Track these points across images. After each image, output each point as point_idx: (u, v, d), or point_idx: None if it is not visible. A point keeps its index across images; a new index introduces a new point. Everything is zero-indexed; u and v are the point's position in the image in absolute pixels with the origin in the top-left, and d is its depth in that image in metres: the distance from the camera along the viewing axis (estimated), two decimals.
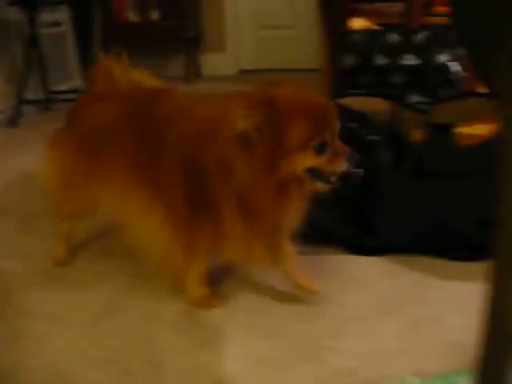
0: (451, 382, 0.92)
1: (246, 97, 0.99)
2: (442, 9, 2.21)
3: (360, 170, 1.18)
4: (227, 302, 1.18)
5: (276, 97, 0.96)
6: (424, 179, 1.25)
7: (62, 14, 3.27)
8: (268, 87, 1.00)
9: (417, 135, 1.29)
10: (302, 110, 0.96)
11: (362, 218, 1.34)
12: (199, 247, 1.10)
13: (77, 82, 3.39)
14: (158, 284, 1.24)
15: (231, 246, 1.05)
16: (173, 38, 3.63)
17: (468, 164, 1.22)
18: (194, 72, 3.82)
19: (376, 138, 1.27)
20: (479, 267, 1.21)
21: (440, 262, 1.30)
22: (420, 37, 1.75)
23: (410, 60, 1.74)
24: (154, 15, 3.61)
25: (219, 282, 1.25)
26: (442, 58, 1.77)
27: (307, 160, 0.97)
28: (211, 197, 1.02)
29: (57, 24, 3.23)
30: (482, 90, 1.58)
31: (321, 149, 0.97)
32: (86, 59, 3.31)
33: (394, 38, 1.74)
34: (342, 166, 1.01)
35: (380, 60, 1.73)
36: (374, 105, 1.39)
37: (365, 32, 1.76)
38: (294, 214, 1.02)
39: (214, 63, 3.92)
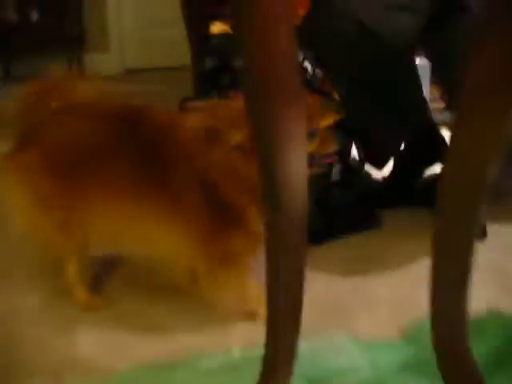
0: None
1: (228, 107, 1.02)
2: (302, 11, 2.35)
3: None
4: None
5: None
6: None
7: None
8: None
9: None
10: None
11: None
12: (236, 256, 1.06)
13: None
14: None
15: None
16: (54, 39, 3.62)
17: None
18: (77, 72, 3.81)
19: None
20: None
21: None
22: None
23: None
24: (34, 15, 3.58)
25: None
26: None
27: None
28: (233, 205, 1.02)
29: None
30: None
31: (312, 134, 1.05)
32: None
33: None
34: (332, 148, 1.11)
35: (239, 62, 1.83)
36: None
37: (224, 35, 1.85)
38: None
39: (98, 63, 3.92)
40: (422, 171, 1.68)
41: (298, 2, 1.16)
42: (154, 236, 1.03)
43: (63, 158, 1.04)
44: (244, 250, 1.05)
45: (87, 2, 3.82)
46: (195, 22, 1.83)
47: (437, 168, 1.64)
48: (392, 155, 1.64)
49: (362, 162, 1.60)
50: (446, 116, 1.60)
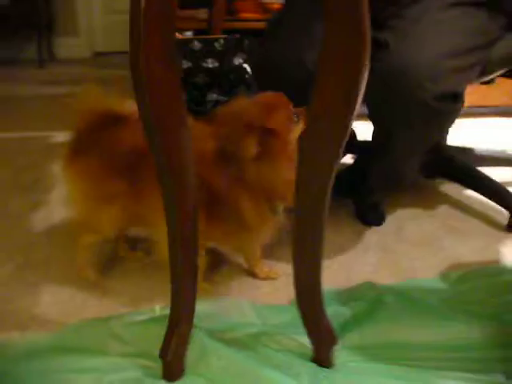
0: None
1: (232, 118, 1.15)
2: (246, 15, 2.61)
3: None
4: None
5: (248, 108, 1.16)
6: None
7: None
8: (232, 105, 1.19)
9: None
10: (270, 104, 1.16)
11: None
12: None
13: None
14: None
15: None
16: (24, 24, 3.80)
17: None
18: (48, 56, 4.01)
19: None
20: None
21: None
22: (219, 43, 2.13)
23: (210, 63, 2.12)
24: (4, 1, 3.75)
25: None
26: (238, 60, 2.16)
27: (296, 133, 1.15)
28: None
29: None
30: None
31: (297, 118, 1.18)
32: None
33: (197, 45, 2.11)
34: None
35: (185, 64, 2.10)
36: None
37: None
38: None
39: (67, 47, 4.12)
40: None
41: None
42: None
43: (113, 163, 1.24)
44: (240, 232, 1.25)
45: None
46: None
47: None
48: None
49: None
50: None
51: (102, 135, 1.26)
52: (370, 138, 1.64)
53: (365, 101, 1.45)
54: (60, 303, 1.32)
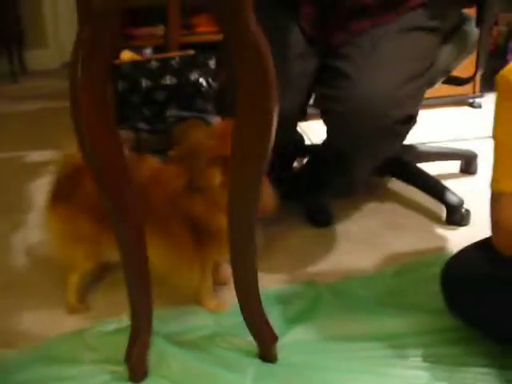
0: None
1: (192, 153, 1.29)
2: (203, 29, 2.76)
3: None
4: None
5: (205, 141, 1.29)
6: None
7: None
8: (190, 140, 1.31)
9: None
10: (226, 133, 1.19)
11: None
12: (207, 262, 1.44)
13: None
14: None
15: None
16: None
17: None
18: (19, 69, 4.12)
19: None
20: None
21: None
22: (175, 61, 2.29)
23: (168, 80, 2.27)
24: None
25: None
26: (194, 76, 2.31)
27: None
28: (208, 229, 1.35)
29: None
30: None
31: None
32: None
33: (154, 64, 2.26)
34: None
35: (144, 83, 2.25)
36: None
37: (132, 62, 2.26)
38: None
39: (37, 59, 4.23)
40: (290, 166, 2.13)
41: None
42: (153, 251, 1.27)
43: (89, 208, 1.37)
44: (215, 257, 1.43)
45: (23, 3, 4.11)
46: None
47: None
48: None
49: None
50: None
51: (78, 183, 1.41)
52: (319, 142, 1.78)
53: (325, 123, 1.62)
54: (41, 320, 1.48)
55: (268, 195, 1.30)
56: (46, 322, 1.46)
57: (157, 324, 1.25)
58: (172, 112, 2.26)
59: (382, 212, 1.97)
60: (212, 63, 2.34)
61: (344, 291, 1.49)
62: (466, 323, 1.27)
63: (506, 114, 1.15)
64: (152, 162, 1.44)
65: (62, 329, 1.41)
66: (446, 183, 1.98)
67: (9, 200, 2.14)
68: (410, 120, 1.55)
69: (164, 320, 1.36)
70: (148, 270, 1.16)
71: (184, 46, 2.41)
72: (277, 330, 1.26)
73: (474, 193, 1.91)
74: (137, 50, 2.41)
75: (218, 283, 1.53)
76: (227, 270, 1.53)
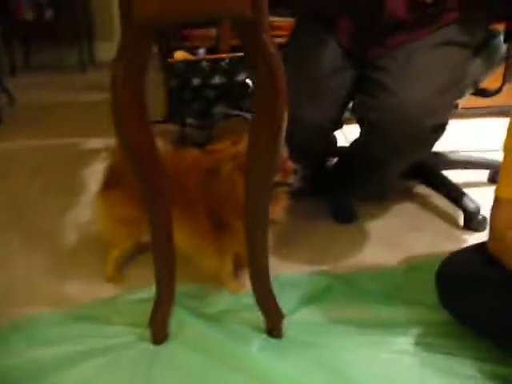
0: None
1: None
2: None
3: None
4: None
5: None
6: None
7: None
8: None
9: None
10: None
11: None
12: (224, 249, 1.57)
13: None
14: None
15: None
16: (67, 34, 4.23)
17: None
18: (88, 60, 4.41)
19: None
20: None
21: None
22: (225, 62, 2.46)
23: (218, 79, 2.45)
24: (48, 13, 4.17)
25: None
26: (242, 76, 2.48)
27: None
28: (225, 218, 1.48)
29: None
30: None
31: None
32: None
33: (205, 64, 2.44)
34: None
35: (196, 81, 2.43)
36: None
37: (185, 62, 2.44)
38: None
39: (105, 50, 4.49)
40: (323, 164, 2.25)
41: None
42: (179, 234, 1.39)
43: (132, 195, 1.48)
44: (235, 248, 1.55)
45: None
46: (165, 52, 2.44)
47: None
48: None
49: None
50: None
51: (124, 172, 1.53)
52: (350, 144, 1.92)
53: (361, 129, 1.75)
54: (83, 286, 1.67)
55: (280, 207, 1.48)
56: (87, 288, 1.66)
57: (179, 297, 1.41)
58: (219, 109, 2.43)
59: (404, 214, 2.08)
60: None
61: (355, 282, 1.62)
62: (456, 319, 1.39)
63: None
64: (189, 155, 1.60)
65: (100, 294, 1.61)
66: (472, 191, 2.08)
67: (64, 183, 2.36)
68: (441, 129, 1.64)
69: (186, 295, 1.54)
70: (173, 249, 1.31)
71: (234, 49, 2.56)
72: (285, 310, 1.41)
73: None
74: (191, 50, 2.58)
75: (240, 267, 1.68)
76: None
